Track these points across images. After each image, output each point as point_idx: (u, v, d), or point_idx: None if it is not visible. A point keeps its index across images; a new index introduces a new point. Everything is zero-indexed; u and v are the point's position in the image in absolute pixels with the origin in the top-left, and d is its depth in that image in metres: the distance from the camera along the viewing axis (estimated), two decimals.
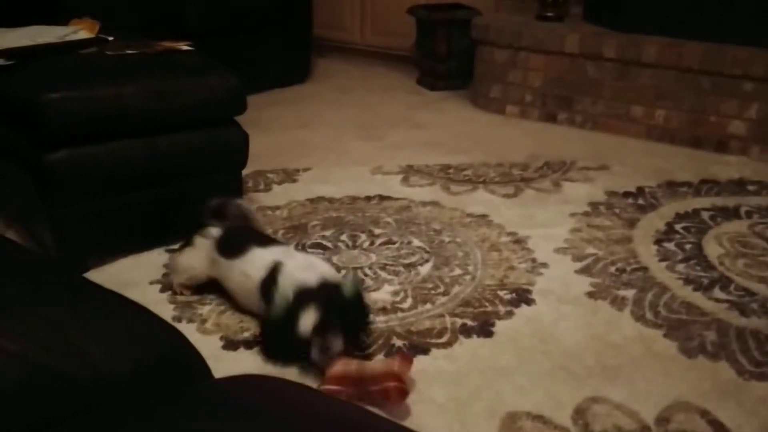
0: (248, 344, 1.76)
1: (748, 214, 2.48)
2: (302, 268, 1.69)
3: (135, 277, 2.07)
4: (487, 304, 1.94)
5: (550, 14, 3.58)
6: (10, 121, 2.11)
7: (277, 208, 2.55)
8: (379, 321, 1.86)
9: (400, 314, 1.89)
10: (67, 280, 1.00)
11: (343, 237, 2.33)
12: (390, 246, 2.27)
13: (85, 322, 0.82)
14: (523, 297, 1.97)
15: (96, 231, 2.09)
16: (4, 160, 2.26)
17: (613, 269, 2.12)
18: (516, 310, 1.91)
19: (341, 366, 1.54)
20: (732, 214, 2.49)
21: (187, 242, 1.96)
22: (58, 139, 1.97)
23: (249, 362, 1.69)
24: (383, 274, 2.09)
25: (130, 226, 2.16)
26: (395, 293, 1.99)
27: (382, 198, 2.64)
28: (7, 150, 2.21)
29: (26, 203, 2.20)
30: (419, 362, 1.69)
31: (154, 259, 2.17)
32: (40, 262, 1.07)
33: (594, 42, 3.29)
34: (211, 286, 1.96)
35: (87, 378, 0.73)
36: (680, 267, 2.13)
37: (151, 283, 2.04)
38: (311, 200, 2.62)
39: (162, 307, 1.91)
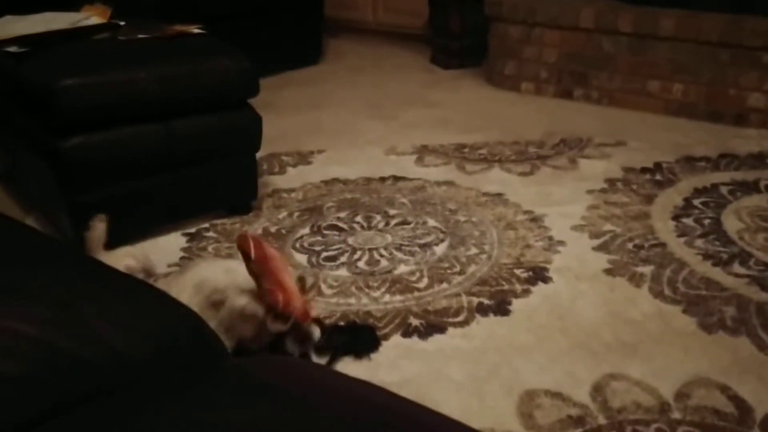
0: None
1: None
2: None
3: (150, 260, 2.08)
4: (503, 282, 1.93)
5: None
6: (26, 108, 2.12)
7: (292, 190, 2.55)
8: (395, 300, 1.86)
9: (416, 294, 1.89)
10: (85, 265, 1.01)
11: (358, 218, 2.32)
12: (405, 226, 2.26)
13: (104, 307, 0.82)
14: (540, 275, 1.97)
15: (112, 216, 2.10)
16: (20, 147, 2.28)
17: (630, 246, 2.10)
18: (533, 288, 1.90)
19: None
20: (751, 188, 2.45)
21: None
22: (72, 125, 1.98)
23: None
24: (399, 255, 2.09)
25: (146, 210, 2.17)
26: (411, 273, 1.99)
27: (397, 178, 2.63)
28: (23, 137, 2.23)
29: (43, 189, 2.21)
30: (436, 341, 1.69)
31: (171, 243, 2.19)
32: (58, 248, 1.08)
33: (609, 16, 3.24)
34: None
35: (106, 362, 0.74)
36: (699, 242, 2.10)
37: (169, 266, 2.05)
38: (326, 182, 2.61)
39: None
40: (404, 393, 0.76)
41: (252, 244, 1.50)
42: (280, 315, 1.51)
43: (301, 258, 2.10)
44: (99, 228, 1.80)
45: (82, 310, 0.80)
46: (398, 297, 1.88)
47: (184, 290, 1.63)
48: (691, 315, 1.77)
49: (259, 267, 1.51)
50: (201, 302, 1.59)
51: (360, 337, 1.66)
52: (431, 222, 2.28)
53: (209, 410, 0.65)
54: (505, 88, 3.65)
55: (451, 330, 1.74)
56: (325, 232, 2.25)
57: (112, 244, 1.99)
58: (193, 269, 1.71)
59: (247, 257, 1.51)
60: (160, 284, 1.68)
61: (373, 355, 1.65)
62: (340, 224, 2.29)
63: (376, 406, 0.70)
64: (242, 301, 1.57)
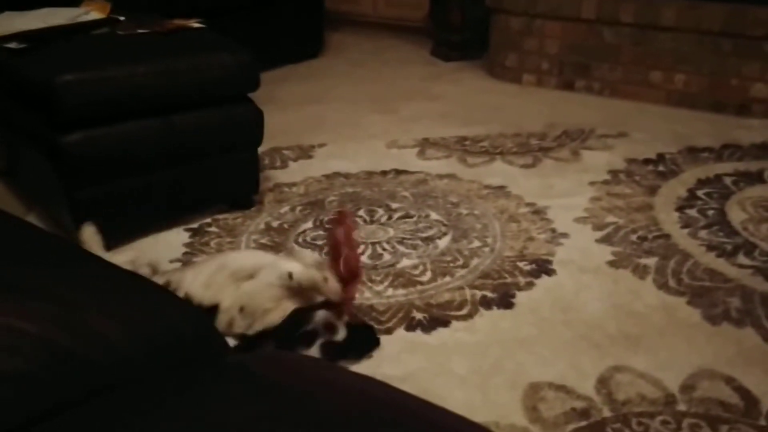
0: None
1: None
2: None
3: (154, 257, 2.08)
4: (506, 275, 1.93)
5: None
6: (26, 104, 2.11)
7: (294, 184, 2.55)
8: (398, 294, 1.85)
9: (419, 287, 1.88)
10: (87, 261, 1.01)
11: (361, 212, 2.32)
12: (407, 220, 2.26)
13: (104, 303, 0.82)
14: (543, 267, 1.96)
15: (114, 212, 2.10)
16: (21, 143, 2.28)
17: (634, 237, 2.09)
18: (536, 281, 1.90)
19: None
20: (755, 178, 2.44)
21: None
22: (73, 121, 1.97)
23: None
24: (401, 248, 2.08)
25: (148, 206, 2.17)
26: (414, 267, 1.98)
27: (399, 172, 2.62)
28: (24, 133, 2.22)
29: (45, 185, 2.21)
30: (439, 335, 1.69)
31: (173, 239, 2.18)
32: (59, 245, 1.08)
33: (611, 6, 3.22)
34: None
35: (106, 359, 0.73)
36: (703, 233, 2.10)
37: (171, 262, 2.05)
38: (327, 176, 2.61)
39: None
40: (407, 387, 0.75)
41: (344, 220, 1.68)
42: (344, 281, 1.61)
43: (304, 253, 2.09)
44: (91, 237, 1.79)
45: (83, 307, 0.79)
46: (401, 291, 1.87)
47: (202, 272, 1.65)
48: (695, 306, 1.76)
49: (341, 239, 1.65)
50: (223, 279, 1.61)
51: (357, 338, 1.64)
52: (433, 215, 2.28)
53: (210, 407, 0.64)
54: (507, 80, 3.63)
55: (454, 323, 1.73)
56: (327, 226, 2.24)
57: (114, 240, 1.99)
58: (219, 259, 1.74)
59: (336, 222, 1.67)
60: (172, 275, 1.69)
61: (376, 350, 1.64)
62: None
63: (380, 401, 0.69)
64: (291, 267, 1.61)
